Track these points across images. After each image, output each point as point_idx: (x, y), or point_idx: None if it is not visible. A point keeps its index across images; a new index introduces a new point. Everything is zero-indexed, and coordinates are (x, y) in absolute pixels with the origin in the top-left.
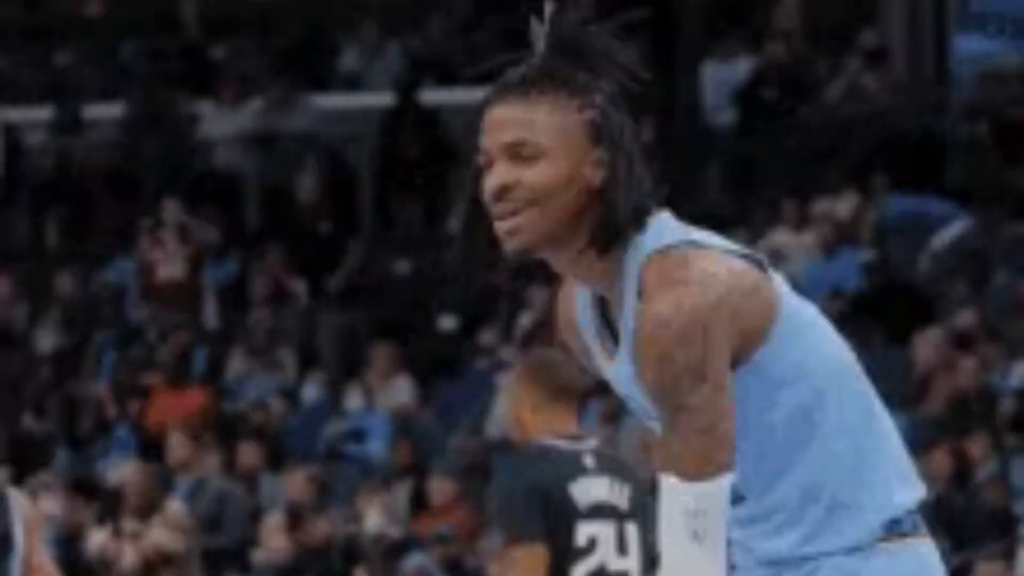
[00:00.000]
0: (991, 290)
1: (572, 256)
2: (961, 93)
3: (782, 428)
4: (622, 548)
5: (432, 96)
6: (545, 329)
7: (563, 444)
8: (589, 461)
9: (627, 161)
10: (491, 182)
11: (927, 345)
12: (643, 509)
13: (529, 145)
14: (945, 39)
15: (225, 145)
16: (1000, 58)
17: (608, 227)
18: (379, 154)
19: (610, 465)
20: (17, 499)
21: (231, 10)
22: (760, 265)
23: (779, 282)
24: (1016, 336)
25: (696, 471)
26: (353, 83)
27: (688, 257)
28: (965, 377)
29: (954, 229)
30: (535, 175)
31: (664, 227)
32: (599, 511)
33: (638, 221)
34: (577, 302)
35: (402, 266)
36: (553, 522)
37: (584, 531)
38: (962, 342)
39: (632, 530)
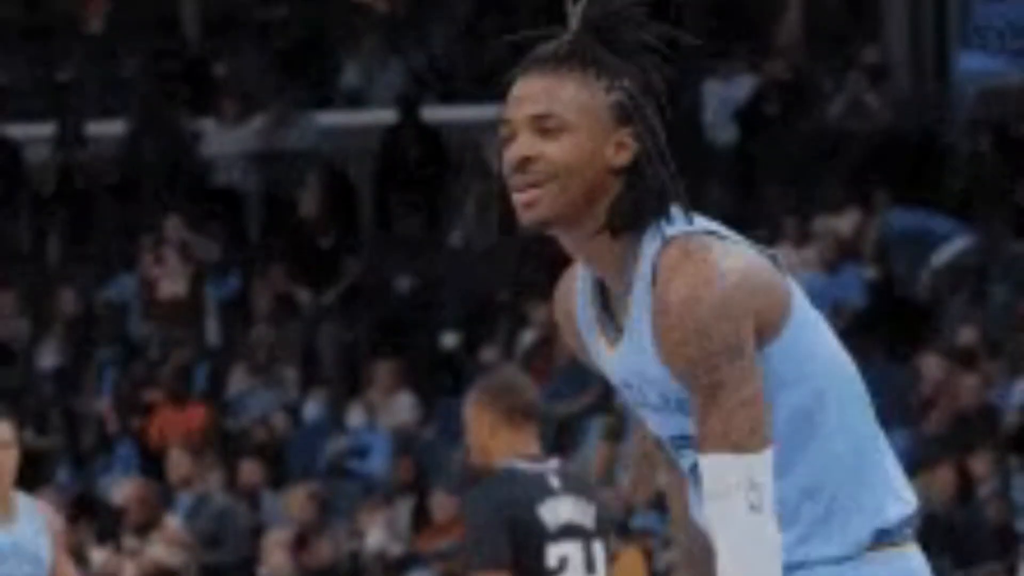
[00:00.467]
0: (992, 307)
1: (586, 236)
2: (963, 109)
3: (784, 427)
4: (590, 567)
5: (433, 113)
6: (546, 346)
7: (526, 466)
8: (554, 481)
9: (654, 146)
10: (512, 153)
11: (930, 363)
12: (607, 527)
13: (554, 119)
14: (947, 55)
15: (227, 162)
16: (1002, 74)
17: (629, 208)
18: (381, 171)
19: (575, 485)
20: (45, 511)
21: (233, 27)
22: (775, 261)
23: (790, 280)
24: (1017, 353)
25: (746, 443)
26: (355, 100)
27: (710, 243)
28: (967, 394)
29: (955, 246)
30: (557, 149)
31: (684, 218)
32: (568, 531)
33: (660, 207)
34: (576, 292)
35: (403, 282)
36: (523, 546)
37: (554, 552)
38: (964, 359)
39: (599, 548)
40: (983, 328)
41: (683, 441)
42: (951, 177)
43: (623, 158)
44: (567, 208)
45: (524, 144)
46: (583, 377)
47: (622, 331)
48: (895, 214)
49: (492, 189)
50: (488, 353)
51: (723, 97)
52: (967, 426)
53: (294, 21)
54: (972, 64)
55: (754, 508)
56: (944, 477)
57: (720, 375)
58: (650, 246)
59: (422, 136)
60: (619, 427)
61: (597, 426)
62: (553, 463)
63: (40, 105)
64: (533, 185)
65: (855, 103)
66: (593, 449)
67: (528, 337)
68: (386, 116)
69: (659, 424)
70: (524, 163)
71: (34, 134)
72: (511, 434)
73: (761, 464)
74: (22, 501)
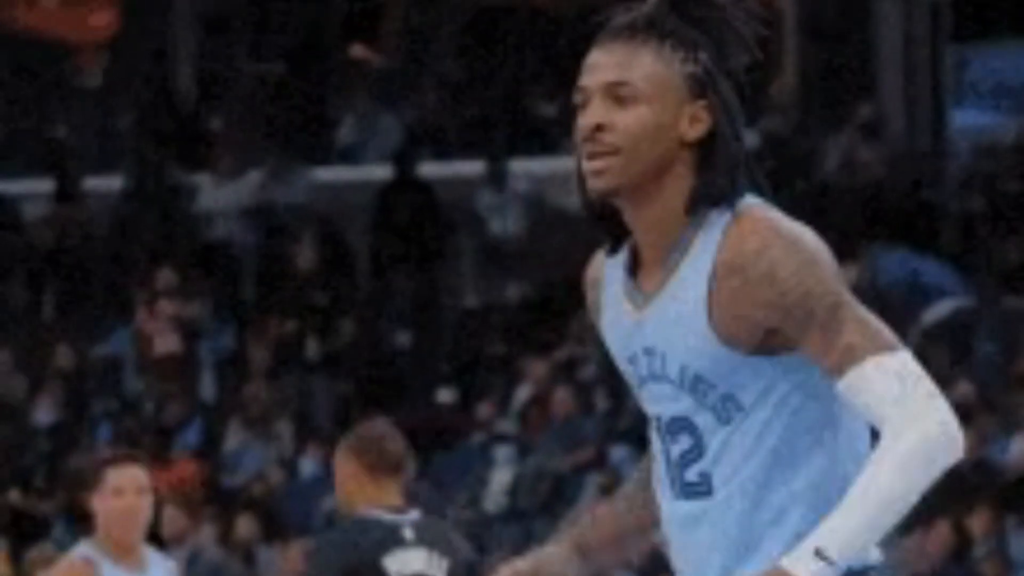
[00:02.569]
0: (985, 363)
1: (651, 208)
2: (957, 165)
3: (802, 434)
4: None
5: (428, 169)
6: (542, 402)
7: (385, 516)
8: (408, 533)
9: (728, 121)
10: (585, 120)
11: None
12: None
13: (627, 87)
14: (942, 112)
15: (222, 217)
16: (995, 130)
17: (702, 187)
18: (376, 226)
19: (431, 537)
20: (169, 566)
21: (227, 82)
22: None
23: None
24: (1012, 409)
25: (889, 343)
26: (349, 156)
27: (780, 216)
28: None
29: (947, 305)
30: (629, 118)
31: (751, 194)
32: None
33: (732, 183)
34: (605, 264)
35: (399, 338)
36: None
37: None
38: (958, 416)
39: None
40: (977, 384)
41: (682, 423)
42: (945, 232)
43: (696, 131)
44: (636, 178)
45: (596, 112)
46: (578, 434)
47: (652, 297)
48: (888, 265)
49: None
50: (483, 409)
51: None
52: (963, 483)
53: (288, 77)
54: (966, 120)
55: (931, 396)
56: (940, 535)
57: (835, 297)
58: (721, 217)
59: (416, 192)
60: (614, 485)
61: (592, 483)
62: (413, 515)
63: (35, 161)
64: (603, 154)
65: (850, 159)
66: (587, 506)
67: (523, 393)
68: (381, 172)
69: (661, 403)
70: (595, 131)
71: (29, 190)
72: (375, 485)
73: (912, 359)
74: (151, 553)
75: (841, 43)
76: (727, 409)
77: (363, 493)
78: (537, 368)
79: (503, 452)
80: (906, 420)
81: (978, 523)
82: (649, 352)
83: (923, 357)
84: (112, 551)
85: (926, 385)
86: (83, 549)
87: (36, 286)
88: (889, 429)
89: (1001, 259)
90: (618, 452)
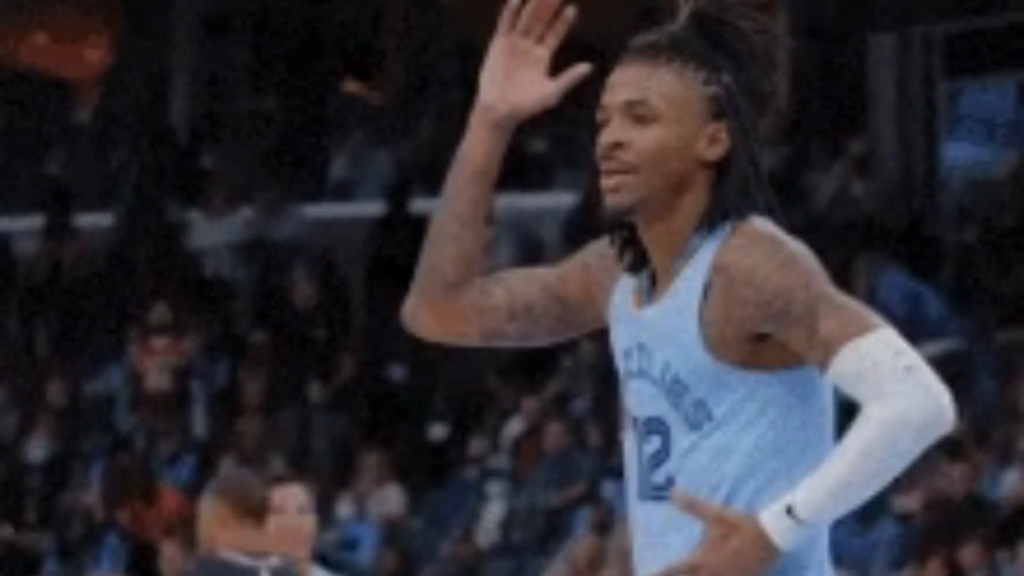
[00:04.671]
0: (980, 397)
1: (665, 226)
2: (950, 199)
3: (782, 445)
4: None
5: (422, 205)
6: (534, 436)
7: (244, 560)
8: None
9: (746, 144)
10: (604, 138)
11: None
12: None
13: (646, 106)
14: (935, 145)
15: (215, 253)
16: (988, 164)
17: (715, 208)
18: (370, 261)
19: None
20: None
21: (221, 118)
22: None
23: None
24: (1006, 443)
25: (869, 324)
26: (343, 192)
27: (775, 229)
28: (955, 485)
29: (943, 338)
30: (646, 137)
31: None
32: None
33: (746, 199)
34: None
35: (393, 373)
36: None
37: None
38: (951, 449)
39: None
40: (971, 418)
41: (656, 424)
42: (939, 266)
43: (715, 152)
44: (652, 196)
45: (616, 130)
46: (571, 469)
47: (656, 297)
48: (886, 297)
49: None
50: (476, 444)
51: None
52: (956, 517)
53: (282, 113)
54: (959, 154)
55: (910, 369)
56: (933, 570)
57: (815, 288)
58: (724, 228)
59: (411, 227)
60: (606, 520)
61: (584, 518)
62: (273, 560)
63: (29, 197)
64: (620, 171)
65: (843, 193)
66: (579, 541)
67: (516, 428)
68: (374, 208)
69: (640, 400)
70: (613, 148)
71: (23, 226)
72: (238, 529)
73: (892, 334)
74: (318, 571)
75: (835, 76)
76: (698, 415)
77: (226, 536)
78: (529, 403)
79: (496, 487)
80: (884, 396)
81: (970, 557)
82: (642, 348)
83: None
84: None
85: (906, 359)
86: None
87: (29, 322)
88: (867, 405)
89: (997, 292)
90: (610, 487)
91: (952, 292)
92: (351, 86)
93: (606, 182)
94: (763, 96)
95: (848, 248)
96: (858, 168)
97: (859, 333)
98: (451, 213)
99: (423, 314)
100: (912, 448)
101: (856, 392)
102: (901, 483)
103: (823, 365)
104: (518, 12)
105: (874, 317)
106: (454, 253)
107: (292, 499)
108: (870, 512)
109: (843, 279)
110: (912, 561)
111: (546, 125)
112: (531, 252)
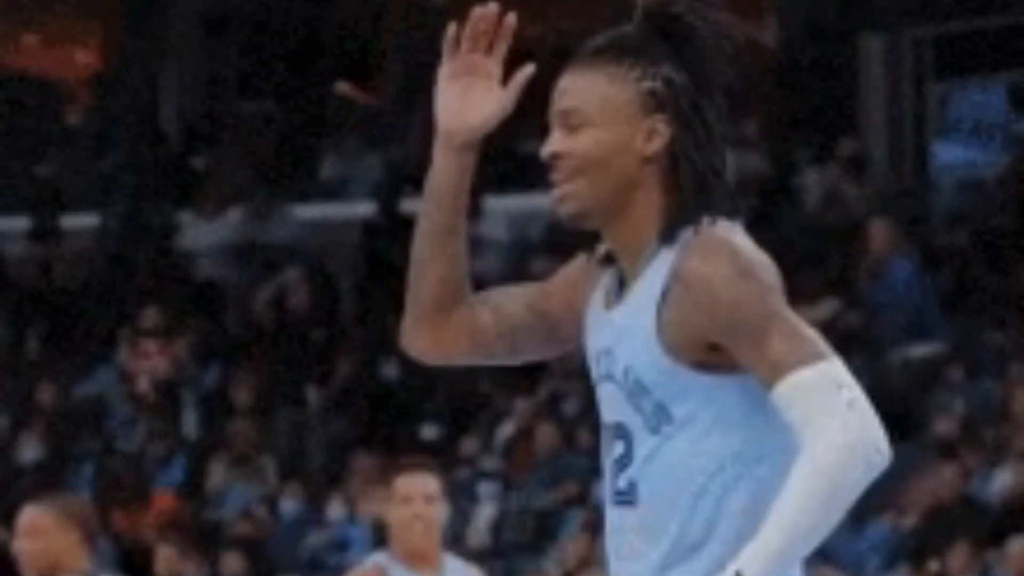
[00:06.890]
0: (971, 397)
1: (625, 228)
2: (941, 201)
3: (723, 456)
4: None
5: (413, 205)
6: (526, 438)
7: None
8: None
9: (690, 133)
10: (544, 149)
11: (908, 454)
12: None
13: (577, 114)
14: (925, 147)
15: (206, 254)
16: (979, 166)
17: (677, 204)
18: (361, 262)
19: None
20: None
21: (212, 120)
22: None
23: None
24: (997, 444)
25: (817, 353)
26: (333, 193)
27: (736, 234)
28: (946, 485)
29: (932, 346)
30: (580, 144)
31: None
32: None
33: (705, 200)
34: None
35: (384, 374)
36: None
37: None
38: (943, 450)
39: None
40: (962, 418)
41: (618, 431)
42: (929, 268)
43: (654, 145)
44: (601, 200)
45: (553, 140)
46: (562, 470)
47: (621, 300)
48: (877, 298)
49: None
50: (467, 445)
51: None
52: (947, 517)
53: (273, 115)
54: (950, 156)
55: (851, 404)
56: (925, 571)
57: (770, 307)
58: (687, 233)
59: (401, 228)
60: (598, 521)
61: (576, 519)
62: None
63: (19, 199)
64: (564, 180)
65: (833, 195)
66: (570, 542)
67: (507, 429)
68: (364, 209)
69: (609, 405)
70: (554, 159)
71: (13, 228)
72: (80, 550)
73: (838, 367)
74: (450, 559)
75: (825, 77)
76: (658, 419)
77: (71, 557)
78: (521, 404)
79: (487, 488)
80: (820, 434)
81: (961, 557)
82: (608, 352)
83: (908, 390)
84: (404, 558)
85: (847, 394)
86: (377, 557)
87: (20, 324)
88: (805, 444)
89: (988, 294)
90: (602, 488)
91: (943, 293)
92: (342, 88)
93: (554, 193)
94: (713, 87)
95: (838, 250)
96: (848, 169)
97: (806, 361)
98: (428, 239)
99: (417, 338)
100: (853, 487)
101: (794, 419)
102: (893, 484)
103: (767, 385)
104: (459, 37)
105: (822, 345)
106: (435, 278)
107: (419, 488)
108: (862, 513)
109: (826, 286)
110: (904, 562)
111: (541, 126)
112: (525, 252)
